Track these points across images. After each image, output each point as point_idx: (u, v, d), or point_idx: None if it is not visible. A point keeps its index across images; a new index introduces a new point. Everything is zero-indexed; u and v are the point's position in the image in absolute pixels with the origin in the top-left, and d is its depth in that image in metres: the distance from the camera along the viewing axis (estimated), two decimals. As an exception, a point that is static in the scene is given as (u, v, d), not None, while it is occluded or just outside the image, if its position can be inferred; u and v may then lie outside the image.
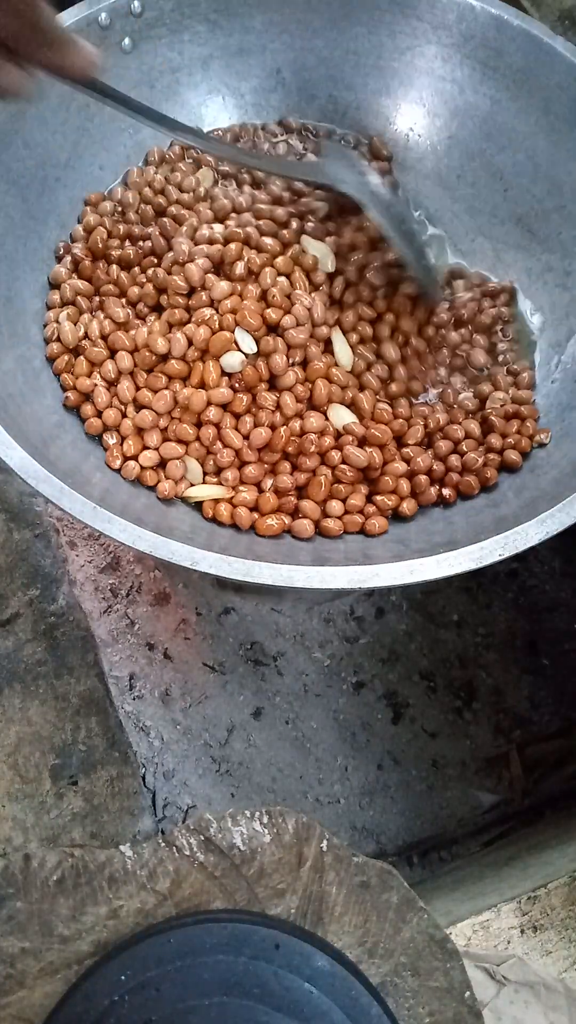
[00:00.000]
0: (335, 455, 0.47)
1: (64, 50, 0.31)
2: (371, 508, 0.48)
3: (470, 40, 0.59)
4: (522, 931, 0.43)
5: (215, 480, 0.47)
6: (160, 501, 0.47)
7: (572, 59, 0.55)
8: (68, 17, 0.54)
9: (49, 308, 0.52)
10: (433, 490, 0.48)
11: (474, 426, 0.50)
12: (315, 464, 0.47)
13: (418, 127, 0.62)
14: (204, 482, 0.48)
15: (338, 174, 0.51)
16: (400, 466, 0.48)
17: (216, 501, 0.47)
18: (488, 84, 0.59)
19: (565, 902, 0.44)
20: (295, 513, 0.47)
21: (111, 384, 0.49)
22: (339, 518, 0.47)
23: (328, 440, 0.48)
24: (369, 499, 0.48)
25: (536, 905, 0.44)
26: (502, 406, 0.52)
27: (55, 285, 0.53)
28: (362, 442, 0.48)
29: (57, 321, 0.51)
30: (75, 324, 0.50)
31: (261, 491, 0.47)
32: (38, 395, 0.48)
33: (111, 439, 0.48)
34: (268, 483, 0.47)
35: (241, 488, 0.47)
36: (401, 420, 0.49)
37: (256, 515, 0.47)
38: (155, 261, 0.52)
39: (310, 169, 0.53)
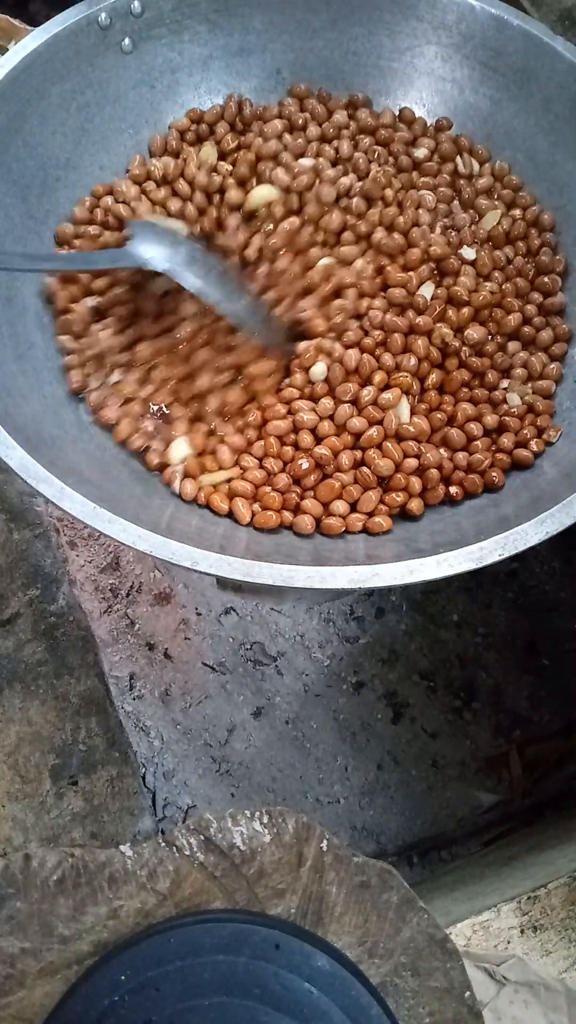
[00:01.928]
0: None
1: None
2: (380, 507, 0.47)
3: (470, 40, 0.59)
4: (522, 931, 0.43)
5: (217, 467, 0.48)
6: (160, 501, 0.47)
7: (572, 59, 0.55)
8: (68, 17, 0.54)
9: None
10: (441, 489, 0.48)
11: (491, 419, 0.50)
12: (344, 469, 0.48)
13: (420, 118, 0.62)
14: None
15: (144, 254, 0.49)
16: (412, 462, 0.48)
17: (215, 487, 0.47)
18: (488, 84, 0.59)
19: (565, 902, 0.44)
20: (296, 509, 0.47)
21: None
22: (342, 517, 0.47)
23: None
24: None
25: (536, 905, 0.44)
26: (522, 400, 0.51)
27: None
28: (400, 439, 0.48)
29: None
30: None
31: (267, 472, 0.48)
32: (38, 395, 0.48)
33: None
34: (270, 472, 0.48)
35: (249, 463, 0.47)
36: (442, 415, 0.49)
37: (256, 506, 0.47)
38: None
39: (117, 257, 0.51)
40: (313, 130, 0.59)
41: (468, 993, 0.34)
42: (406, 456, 0.48)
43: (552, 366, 0.52)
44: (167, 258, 0.49)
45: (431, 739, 0.67)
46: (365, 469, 0.47)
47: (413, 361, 0.50)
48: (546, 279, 0.54)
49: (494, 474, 0.48)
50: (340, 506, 0.47)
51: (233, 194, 0.55)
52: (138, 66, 0.58)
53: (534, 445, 0.49)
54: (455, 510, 0.48)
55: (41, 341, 0.51)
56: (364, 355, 0.50)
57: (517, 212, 0.57)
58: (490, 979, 0.41)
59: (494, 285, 0.53)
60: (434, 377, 0.50)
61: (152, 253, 0.49)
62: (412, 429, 0.48)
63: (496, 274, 0.54)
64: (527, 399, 0.51)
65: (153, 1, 0.56)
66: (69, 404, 0.50)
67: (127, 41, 0.57)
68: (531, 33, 0.56)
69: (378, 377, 0.49)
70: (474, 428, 0.49)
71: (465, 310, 0.52)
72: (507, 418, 0.50)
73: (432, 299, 0.52)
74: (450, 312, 0.52)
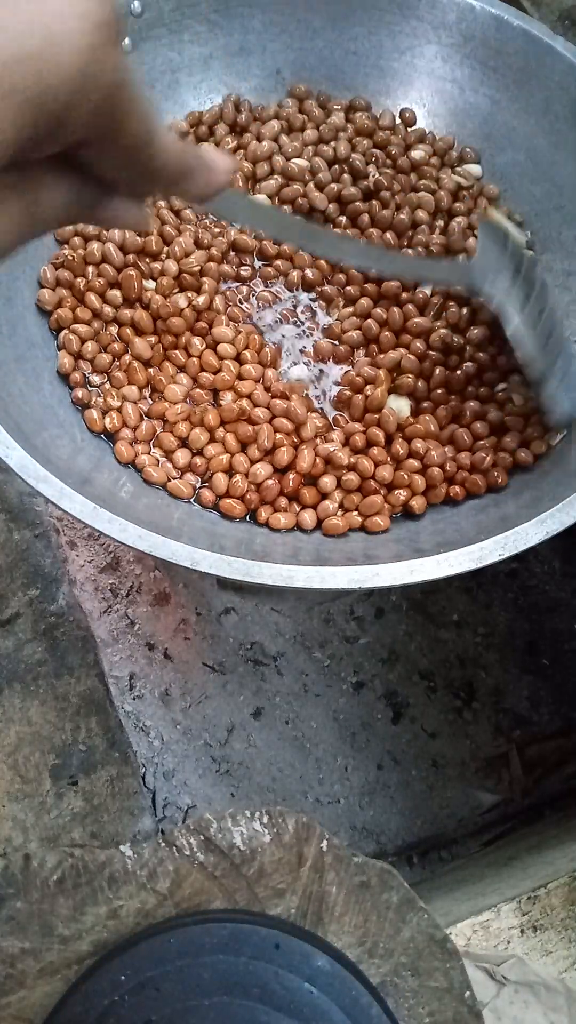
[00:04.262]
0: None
1: (189, 179, 0.25)
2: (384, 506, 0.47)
3: (470, 40, 0.59)
4: (522, 931, 0.43)
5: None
6: (161, 501, 0.47)
7: (572, 59, 0.55)
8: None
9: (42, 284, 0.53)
10: (443, 488, 0.48)
11: (494, 415, 0.50)
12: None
13: (418, 127, 0.62)
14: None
15: (482, 279, 0.42)
16: (415, 462, 0.48)
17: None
18: (488, 84, 0.59)
19: (565, 902, 0.44)
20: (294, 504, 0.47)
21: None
22: (340, 515, 0.47)
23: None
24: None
25: (536, 905, 0.44)
26: (525, 402, 0.51)
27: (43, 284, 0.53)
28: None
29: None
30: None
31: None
32: (39, 395, 0.48)
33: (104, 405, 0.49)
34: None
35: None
36: (446, 411, 0.49)
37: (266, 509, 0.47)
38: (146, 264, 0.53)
39: (456, 273, 0.46)
40: (311, 132, 0.59)
41: (468, 993, 0.34)
42: (411, 455, 0.48)
43: None
44: (505, 290, 0.42)
45: (431, 739, 0.67)
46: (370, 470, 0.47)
47: (413, 360, 0.50)
48: None
49: (496, 473, 0.48)
50: (332, 507, 0.47)
51: None
52: (138, 66, 0.58)
53: (536, 446, 0.49)
54: (456, 510, 0.48)
55: (41, 341, 0.51)
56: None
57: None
58: (490, 979, 0.41)
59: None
60: (438, 374, 0.50)
61: (492, 279, 0.42)
62: (420, 428, 0.48)
63: None
64: (531, 403, 0.51)
65: (153, 1, 0.56)
66: (69, 404, 0.50)
67: (127, 41, 0.57)
68: (531, 33, 0.56)
69: (381, 377, 0.49)
70: (479, 427, 0.49)
71: (466, 308, 0.52)
72: (510, 417, 0.50)
73: (432, 295, 0.52)
74: (452, 308, 0.52)
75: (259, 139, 0.58)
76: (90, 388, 0.50)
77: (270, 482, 0.47)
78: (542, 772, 0.67)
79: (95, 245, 0.53)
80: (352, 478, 0.47)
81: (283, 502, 0.47)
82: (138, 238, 0.53)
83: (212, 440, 0.48)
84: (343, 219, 0.56)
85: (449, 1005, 0.34)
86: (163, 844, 0.35)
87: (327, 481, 0.47)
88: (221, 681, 0.67)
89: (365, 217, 0.55)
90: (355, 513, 0.47)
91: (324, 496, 0.47)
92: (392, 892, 0.35)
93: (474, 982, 0.37)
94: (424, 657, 0.69)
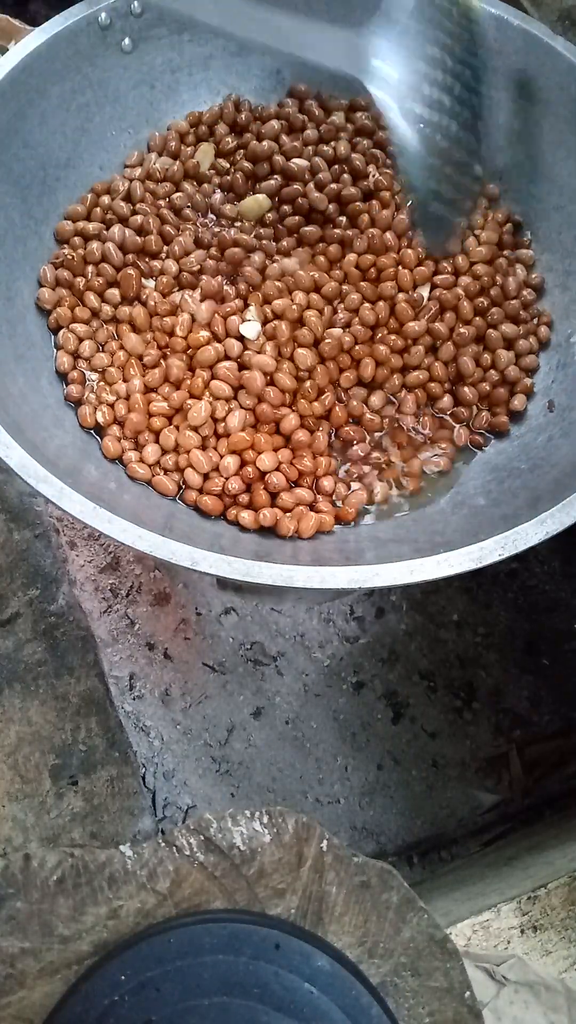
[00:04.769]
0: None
1: None
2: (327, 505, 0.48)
3: (470, 40, 0.59)
4: (522, 931, 0.43)
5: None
6: (160, 501, 0.47)
7: (572, 59, 0.55)
8: (68, 17, 0.54)
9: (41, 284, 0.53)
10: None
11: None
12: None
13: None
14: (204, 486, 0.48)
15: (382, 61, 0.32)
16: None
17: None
18: (488, 84, 0.59)
19: (565, 902, 0.44)
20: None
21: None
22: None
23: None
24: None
25: (536, 905, 0.44)
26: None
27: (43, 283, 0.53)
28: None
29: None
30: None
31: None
32: (38, 395, 0.48)
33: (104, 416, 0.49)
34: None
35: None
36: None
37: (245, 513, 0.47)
38: (145, 262, 0.53)
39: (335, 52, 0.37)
40: (311, 132, 0.59)
41: (468, 993, 0.34)
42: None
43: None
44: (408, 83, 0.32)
45: (431, 739, 0.67)
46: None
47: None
48: (520, 309, 0.55)
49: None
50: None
51: (227, 208, 0.56)
52: (138, 66, 0.58)
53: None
54: (455, 510, 0.48)
55: (40, 340, 0.51)
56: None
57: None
58: (490, 979, 0.41)
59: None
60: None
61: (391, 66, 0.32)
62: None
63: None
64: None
65: (153, 1, 0.56)
66: (68, 404, 0.50)
67: (127, 41, 0.57)
68: (531, 33, 0.56)
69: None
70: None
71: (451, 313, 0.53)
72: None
73: (428, 299, 0.53)
74: (448, 316, 0.52)
75: (259, 139, 0.58)
76: (85, 386, 0.50)
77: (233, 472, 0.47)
78: (542, 772, 0.67)
79: (95, 244, 0.53)
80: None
81: (262, 496, 0.46)
82: (138, 237, 0.53)
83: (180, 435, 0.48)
84: (343, 219, 0.56)
85: (449, 1005, 0.34)
86: (163, 844, 0.35)
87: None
88: (221, 681, 0.67)
89: (365, 217, 0.55)
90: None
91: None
92: (392, 892, 0.35)
93: (474, 982, 0.37)
94: (424, 657, 0.69)
